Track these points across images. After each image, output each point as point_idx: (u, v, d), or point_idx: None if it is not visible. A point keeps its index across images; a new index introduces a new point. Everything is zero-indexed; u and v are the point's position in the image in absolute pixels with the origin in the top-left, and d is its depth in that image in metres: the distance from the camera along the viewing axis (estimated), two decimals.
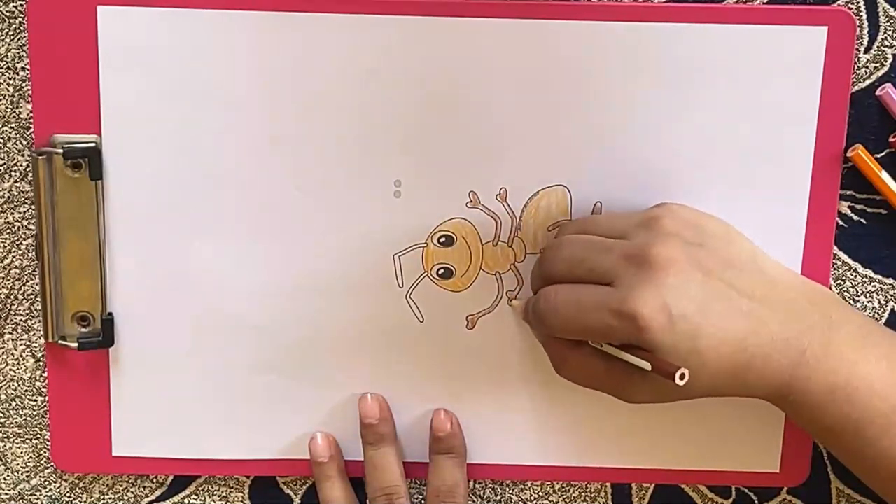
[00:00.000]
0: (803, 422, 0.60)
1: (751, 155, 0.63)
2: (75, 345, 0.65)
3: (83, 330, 0.65)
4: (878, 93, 0.63)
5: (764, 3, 0.62)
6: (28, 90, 0.63)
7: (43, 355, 0.67)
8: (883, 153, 0.64)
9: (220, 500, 0.69)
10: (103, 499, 0.69)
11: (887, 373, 0.59)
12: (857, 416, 0.58)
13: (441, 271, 0.65)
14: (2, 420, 0.68)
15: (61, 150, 0.62)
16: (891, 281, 0.66)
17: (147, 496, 0.69)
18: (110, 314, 0.65)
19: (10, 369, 0.67)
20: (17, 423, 0.68)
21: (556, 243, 0.61)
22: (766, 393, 0.59)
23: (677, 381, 0.54)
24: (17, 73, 0.63)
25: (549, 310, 0.59)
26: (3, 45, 0.63)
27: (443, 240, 0.65)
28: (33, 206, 0.64)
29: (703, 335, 0.56)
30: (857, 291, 0.66)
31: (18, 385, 0.67)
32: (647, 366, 0.56)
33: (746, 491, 0.69)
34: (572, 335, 0.59)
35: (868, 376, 0.58)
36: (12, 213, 0.65)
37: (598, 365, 0.59)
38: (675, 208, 0.61)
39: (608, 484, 0.69)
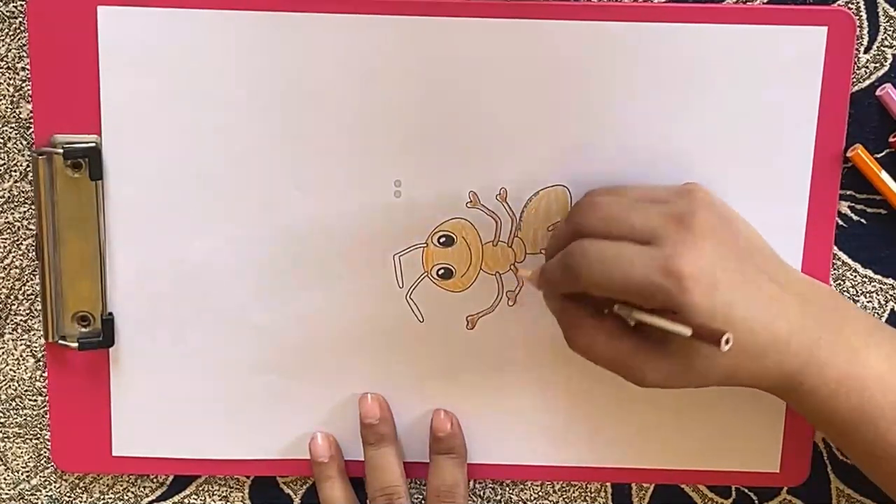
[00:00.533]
0: (812, 413, 0.60)
1: (751, 155, 0.63)
2: (75, 345, 0.65)
3: (83, 330, 0.65)
4: (878, 93, 0.63)
5: (764, 3, 0.62)
6: (28, 90, 0.63)
7: (43, 355, 0.67)
8: (883, 153, 0.64)
9: (220, 500, 0.69)
10: (103, 499, 0.69)
11: (894, 367, 0.59)
12: (867, 409, 0.58)
13: (441, 271, 0.65)
14: (2, 420, 0.68)
15: (61, 150, 0.62)
16: (891, 281, 0.66)
17: (147, 496, 0.69)
18: (110, 314, 0.65)
19: (10, 369, 0.67)
20: (17, 423, 0.68)
21: (590, 203, 0.59)
22: (778, 382, 0.58)
23: (723, 346, 0.52)
24: (17, 73, 0.63)
25: (585, 264, 0.56)
26: (3, 45, 0.63)
27: (443, 240, 0.65)
28: (33, 206, 0.64)
29: (737, 306, 0.55)
30: (857, 291, 0.66)
31: (18, 385, 0.67)
32: (687, 331, 0.54)
33: (746, 491, 0.69)
34: (607, 291, 0.56)
35: (877, 368, 0.58)
36: (12, 213, 0.65)
37: (616, 336, 0.58)
38: (704, 188, 0.59)
39: (608, 484, 0.69)
